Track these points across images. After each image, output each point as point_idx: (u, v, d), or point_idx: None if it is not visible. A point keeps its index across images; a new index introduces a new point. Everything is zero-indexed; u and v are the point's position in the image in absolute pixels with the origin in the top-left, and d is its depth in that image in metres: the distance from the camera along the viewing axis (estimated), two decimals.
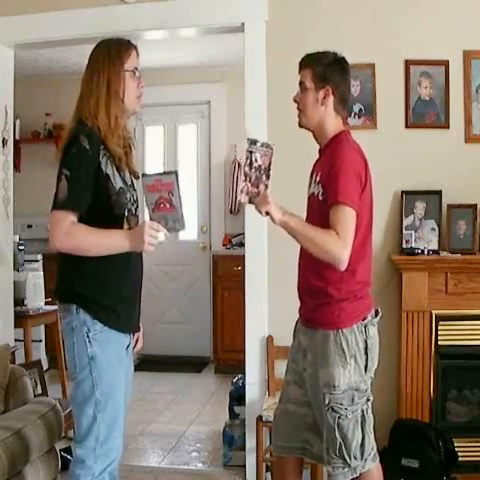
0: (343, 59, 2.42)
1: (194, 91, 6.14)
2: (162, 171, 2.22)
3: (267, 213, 2.21)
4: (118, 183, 2.26)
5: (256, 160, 2.21)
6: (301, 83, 2.41)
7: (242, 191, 2.23)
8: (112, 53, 2.29)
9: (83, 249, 2.16)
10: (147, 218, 2.17)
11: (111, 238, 2.18)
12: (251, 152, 2.21)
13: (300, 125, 2.44)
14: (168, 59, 5.68)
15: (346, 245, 2.21)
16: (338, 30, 3.41)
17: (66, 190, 2.15)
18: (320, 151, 2.46)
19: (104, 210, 2.21)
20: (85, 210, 2.18)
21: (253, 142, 2.22)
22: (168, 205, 2.15)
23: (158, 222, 2.15)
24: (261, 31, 3.51)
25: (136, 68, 2.32)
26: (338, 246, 2.20)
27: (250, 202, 2.25)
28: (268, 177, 2.22)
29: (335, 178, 2.25)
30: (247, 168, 2.22)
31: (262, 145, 2.22)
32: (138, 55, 2.35)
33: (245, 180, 2.22)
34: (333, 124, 2.39)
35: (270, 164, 2.23)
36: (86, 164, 2.17)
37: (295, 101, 2.43)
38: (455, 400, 3.35)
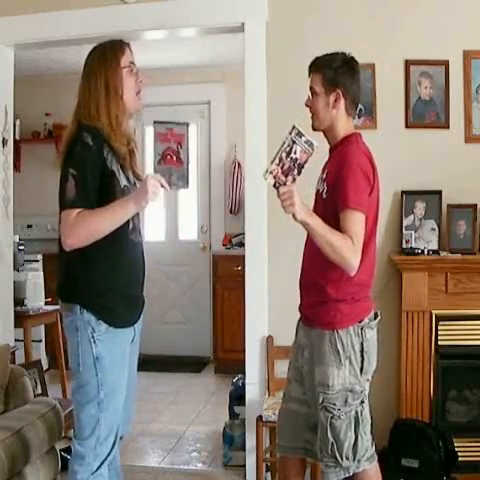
0: (352, 59, 2.41)
1: (194, 91, 6.14)
2: (175, 121, 2.18)
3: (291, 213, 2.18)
4: (123, 181, 2.26)
5: (295, 152, 2.18)
6: (311, 88, 2.41)
7: (271, 173, 2.19)
8: (107, 54, 2.30)
9: (94, 232, 2.14)
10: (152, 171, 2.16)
11: (115, 208, 2.17)
12: (294, 142, 2.18)
13: (313, 128, 2.43)
14: (168, 59, 5.68)
15: (358, 251, 2.23)
16: (338, 30, 3.41)
17: (74, 189, 2.13)
18: (330, 150, 2.46)
19: None
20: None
21: (299, 134, 2.18)
22: (175, 158, 2.12)
23: (162, 175, 2.13)
24: (261, 31, 3.50)
25: (132, 63, 2.33)
26: (352, 253, 2.21)
27: (274, 186, 2.21)
28: (299, 173, 2.20)
29: (344, 181, 2.25)
30: (284, 154, 2.18)
31: (306, 141, 2.18)
32: (132, 52, 2.35)
33: (278, 164, 2.19)
34: (344, 125, 2.40)
35: (306, 162, 2.20)
36: (91, 161, 2.17)
37: (307, 106, 2.43)
38: (455, 400, 3.35)
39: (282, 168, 2.19)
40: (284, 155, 2.19)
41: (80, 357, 2.22)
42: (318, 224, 2.21)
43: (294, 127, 2.19)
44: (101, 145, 2.20)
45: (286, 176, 2.19)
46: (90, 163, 2.17)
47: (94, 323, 2.21)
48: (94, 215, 2.14)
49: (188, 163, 2.13)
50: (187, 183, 2.16)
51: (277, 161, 2.20)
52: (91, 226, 2.14)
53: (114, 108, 2.26)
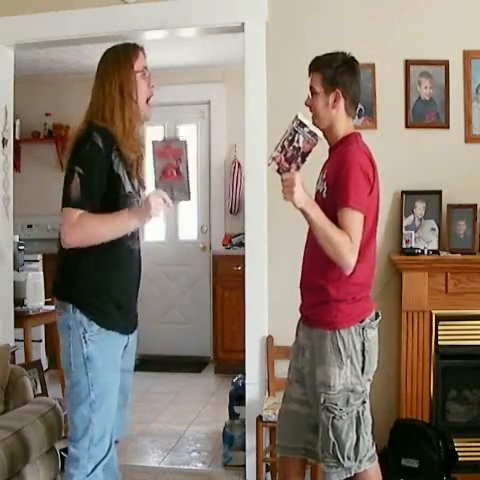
0: (352, 59, 2.41)
1: (194, 91, 6.14)
2: (172, 137, 2.23)
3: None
4: (127, 187, 2.26)
5: (298, 141, 2.16)
6: (311, 87, 2.41)
7: (274, 159, 2.19)
8: (121, 57, 2.30)
9: (91, 237, 2.15)
10: (153, 187, 2.19)
11: (117, 218, 2.17)
12: (296, 132, 2.16)
13: None
14: (168, 59, 5.67)
15: (355, 250, 2.22)
16: (338, 30, 3.41)
17: (79, 188, 2.13)
18: (329, 150, 2.46)
19: (112, 211, 2.19)
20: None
21: (302, 124, 2.16)
22: (175, 173, 2.15)
23: (164, 190, 2.16)
24: (261, 31, 3.50)
25: (145, 67, 2.33)
26: (349, 251, 2.21)
27: (278, 171, 2.21)
28: (303, 161, 2.19)
29: (344, 180, 2.24)
30: (286, 143, 2.17)
31: (309, 132, 2.17)
32: (145, 56, 2.36)
33: (281, 152, 2.18)
34: (343, 125, 2.40)
35: (310, 152, 2.18)
36: (99, 162, 2.17)
37: (307, 105, 2.43)
38: (455, 400, 3.34)
39: (285, 155, 2.19)
40: (286, 143, 2.18)
41: (71, 357, 2.23)
42: (318, 216, 2.21)
43: (296, 117, 2.18)
44: (110, 148, 2.20)
45: (290, 163, 2.19)
46: (98, 164, 2.17)
47: (86, 323, 2.21)
48: (96, 220, 2.14)
49: (188, 176, 2.16)
50: (189, 195, 2.20)
51: (279, 149, 2.19)
52: (91, 231, 2.14)
53: (128, 112, 2.26)
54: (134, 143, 2.28)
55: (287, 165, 2.19)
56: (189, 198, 2.20)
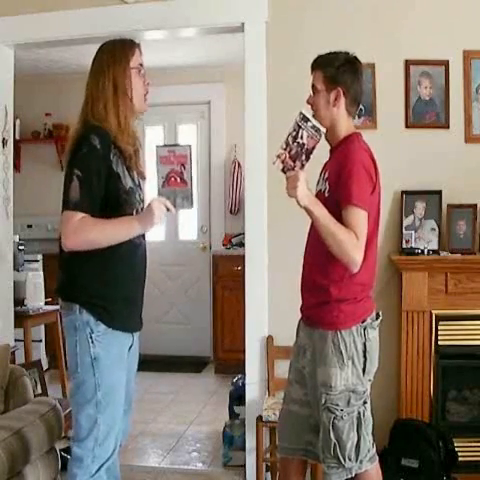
0: (355, 59, 2.41)
1: (194, 91, 6.14)
2: (177, 143, 2.24)
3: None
4: (128, 183, 2.25)
5: (302, 137, 2.17)
6: (313, 86, 2.41)
7: (279, 157, 2.19)
8: (116, 53, 2.29)
9: (93, 241, 2.14)
10: (156, 194, 2.18)
11: (120, 224, 2.17)
12: (300, 127, 2.17)
13: None
14: (168, 59, 5.67)
15: (361, 247, 2.22)
16: (338, 30, 3.41)
17: (78, 191, 2.12)
18: (331, 150, 2.46)
19: (114, 209, 2.20)
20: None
21: (305, 119, 2.17)
22: (179, 179, 2.15)
23: (167, 198, 2.15)
24: (261, 31, 3.50)
25: (141, 65, 2.33)
26: (355, 248, 2.20)
27: (282, 171, 2.22)
28: (307, 158, 2.20)
29: (347, 178, 2.24)
30: (291, 139, 2.18)
31: (313, 127, 2.18)
32: (141, 53, 2.35)
33: (285, 149, 2.19)
34: (345, 125, 2.40)
35: (314, 148, 2.19)
36: (97, 164, 2.16)
37: (308, 103, 2.43)
38: (455, 400, 3.35)
39: (289, 153, 2.20)
40: (291, 139, 2.19)
41: (78, 357, 2.22)
42: (322, 214, 2.21)
43: (300, 112, 2.20)
44: (108, 147, 2.19)
45: (294, 161, 2.19)
46: (96, 166, 2.16)
47: (93, 323, 2.20)
48: (97, 225, 2.14)
49: (192, 183, 2.16)
50: (192, 203, 2.20)
51: (284, 145, 2.20)
52: (91, 235, 2.13)
53: (122, 107, 2.25)
54: (129, 138, 2.28)
55: (292, 163, 2.20)
56: (192, 206, 2.21)
